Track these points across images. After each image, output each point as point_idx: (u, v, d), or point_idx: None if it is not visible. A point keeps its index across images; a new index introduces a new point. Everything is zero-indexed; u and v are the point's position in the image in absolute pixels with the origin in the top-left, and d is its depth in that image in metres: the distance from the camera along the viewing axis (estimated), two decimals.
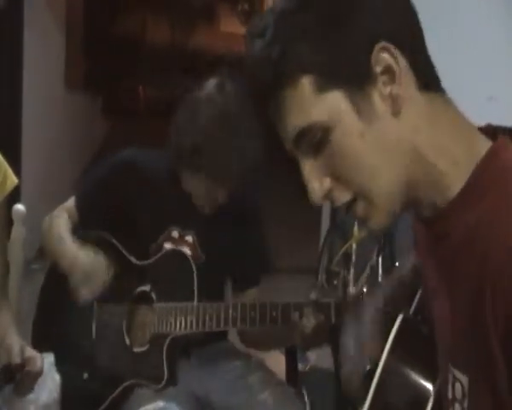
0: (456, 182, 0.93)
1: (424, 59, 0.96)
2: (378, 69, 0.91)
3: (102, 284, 1.92)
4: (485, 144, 0.95)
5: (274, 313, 1.81)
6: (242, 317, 1.84)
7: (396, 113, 0.92)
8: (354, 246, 2.37)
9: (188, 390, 1.96)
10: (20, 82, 4.53)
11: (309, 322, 1.78)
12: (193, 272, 1.94)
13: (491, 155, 0.93)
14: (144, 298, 2.01)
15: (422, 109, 0.93)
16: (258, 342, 2.08)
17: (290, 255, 4.92)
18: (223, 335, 2.14)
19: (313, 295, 1.83)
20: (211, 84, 1.92)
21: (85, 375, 2.01)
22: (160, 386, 1.91)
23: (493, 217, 0.88)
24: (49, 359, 1.66)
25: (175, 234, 2.04)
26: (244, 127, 1.84)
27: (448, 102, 0.97)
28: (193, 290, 1.93)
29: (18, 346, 1.57)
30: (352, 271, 2.30)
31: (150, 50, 8.64)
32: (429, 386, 1.06)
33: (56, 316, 2.08)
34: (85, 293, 1.91)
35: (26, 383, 1.53)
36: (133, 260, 2.05)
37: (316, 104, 0.91)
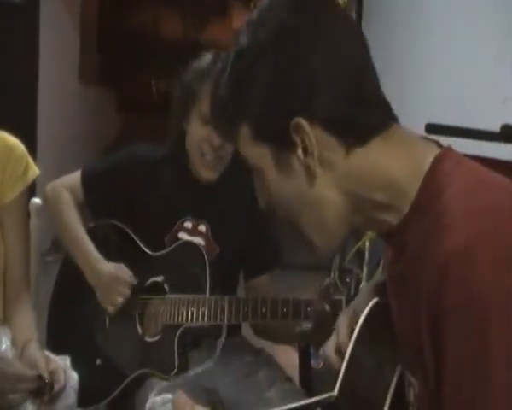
0: (405, 204, 0.98)
1: (350, 121, 0.98)
2: (296, 140, 0.98)
3: (127, 292, 1.98)
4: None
5: (285, 309, 1.81)
6: (253, 312, 1.85)
7: (311, 179, 1.00)
8: (367, 244, 2.38)
9: (197, 383, 1.96)
10: (36, 76, 4.56)
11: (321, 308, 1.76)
12: (205, 264, 1.95)
13: (429, 174, 0.97)
14: (157, 288, 2.02)
15: (347, 168, 0.99)
16: (270, 335, 2.08)
17: (303, 252, 4.92)
18: (237, 329, 2.14)
19: (328, 280, 1.82)
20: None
21: (98, 361, 2.03)
22: (170, 377, 1.92)
23: (427, 236, 0.93)
24: (65, 361, 1.70)
25: (188, 224, 2.05)
26: None
27: (383, 145, 1.00)
28: (205, 282, 1.94)
29: (43, 360, 1.62)
30: (365, 269, 2.31)
31: (163, 45, 8.64)
32: (391, 372, 1.07)
33: (70, 306, 2.10)
34: (110, 307, 1.99)
35: (53, 397, 1.62)
36: (146, 249, 2.06)
37: (249, 148, 1.03)
